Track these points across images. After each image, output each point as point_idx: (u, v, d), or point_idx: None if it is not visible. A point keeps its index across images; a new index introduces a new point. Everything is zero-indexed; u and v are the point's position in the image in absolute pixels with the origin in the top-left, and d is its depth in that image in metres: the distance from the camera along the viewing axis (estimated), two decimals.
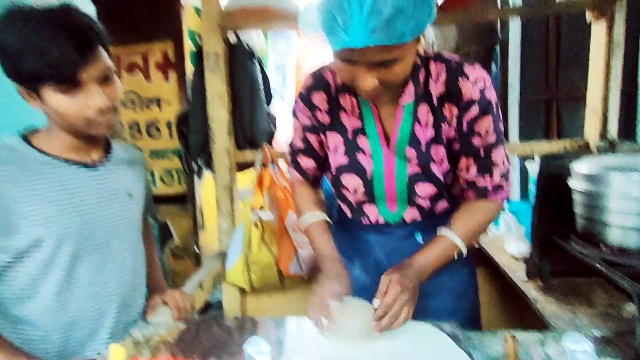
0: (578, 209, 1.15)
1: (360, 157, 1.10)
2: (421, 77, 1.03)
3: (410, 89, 1.02)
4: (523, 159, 2.75)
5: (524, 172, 2.82)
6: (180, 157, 2.11)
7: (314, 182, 1.28)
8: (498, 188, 1.08)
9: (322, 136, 1.16)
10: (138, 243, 1.19)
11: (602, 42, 1.86)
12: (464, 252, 1.06)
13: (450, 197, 1.15)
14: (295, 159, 1.25)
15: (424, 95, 1.04)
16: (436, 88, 1.03)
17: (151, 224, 1.36)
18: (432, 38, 3.25)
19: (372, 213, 1.17)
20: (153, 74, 2.77)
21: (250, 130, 1.99)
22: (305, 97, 1.14)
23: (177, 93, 2.77)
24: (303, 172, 1.25)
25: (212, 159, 1.98)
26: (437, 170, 1.06)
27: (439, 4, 1.95)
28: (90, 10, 0.99)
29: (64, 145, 1.03)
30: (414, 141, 1.05)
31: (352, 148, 1.10)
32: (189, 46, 2.77)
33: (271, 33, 4.11)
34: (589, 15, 1.91)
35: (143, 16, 2.63)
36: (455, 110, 1.02)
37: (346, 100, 1.10)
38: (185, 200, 2.81)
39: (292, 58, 4.07)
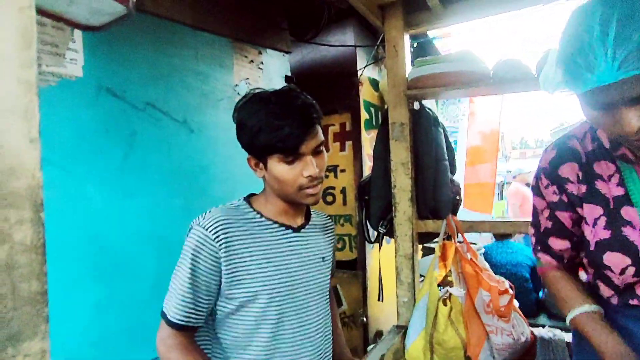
0: None
1: (626, 231, 0.93)
2: None
3: None
4: None
5: None
6: (360, 223, 2.12)
7: (570, 266, 1.14)
8: None
9: (579, 210, 1.03)
10: (327, 306, 1.23)
11: None
12: None
13: None
14: (544, 242, 1.13)
15: None
16: None
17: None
18: None
19: None
20: (331, 145, 2.93)
21: (434, 200, 1.91)
22: (549, 172, 1.05)
23: (352, 161, 2.86)
24: (556, 256, 1.12)
25: (394, 227, 1.93)
26: None
27: None
28: None
29: (276, 210, 1.14)
30: None
31: (615, 221, 0.95)
32: (364, 116, 2.88)
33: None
34: None
35: (326, 93, 2.84)
36: None
37: (602, 167, 0.98)
38: (356, 267, 2.79)
39: (464, 121, 3.98)
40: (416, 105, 1.97)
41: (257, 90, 1.11)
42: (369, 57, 2.92)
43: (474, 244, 4.01)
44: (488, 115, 4.35)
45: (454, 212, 1.95)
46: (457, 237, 1.82)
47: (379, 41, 2.82)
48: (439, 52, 3.27)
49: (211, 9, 1.94)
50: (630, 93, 0.73)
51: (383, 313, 2.92)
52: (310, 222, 1.22)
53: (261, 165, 1.08)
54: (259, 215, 1.11)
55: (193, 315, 1.02)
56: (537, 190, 1.11)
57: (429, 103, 2.06)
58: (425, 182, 1.91)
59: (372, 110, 3.00)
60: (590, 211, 0.99)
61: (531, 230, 1.17)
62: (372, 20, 1.91)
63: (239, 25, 2.12)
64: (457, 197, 1.99)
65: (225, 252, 1.01)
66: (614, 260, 0.95)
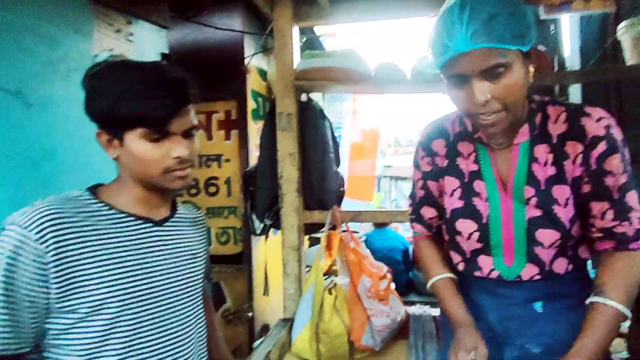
0: None
1: (476, 201, 1.10)
2: (537, 120, 1.05)
3: (525, 128, 1.04)
4: None
5: None
6: (246, 215, 2.06)
7: (436, 235, 1.28)
8: (639, 234, 0.99)
9: (441, 181, 1.18)
10: (200, 308, 1.10)
11: None
12: (629, 318, 0.96)
13: (574, 256, 1.07)
14: (417, 211, 1.27)
15: (541, 135, 1.04)
16: (556, 128, 1.03)
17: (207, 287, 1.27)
18: None
19: (486, 265, 1.12)
20: (215, 133, 2.81)
21: (320, 191, 1.93)
22: (425, 145, 1.21)
23: (238, 151, 2.78)
24: (426, 224, 1.26)
25: (280, 218, 1.92)
26: (562, 213, 1.01)
27: None
28: None
29: (133, 199, 0.98)
30: (532, 180, 1.04)
31: (468, 192, 1.11)
32: (251, 105, 2.81)
33: (328, 95, 4.24)
34: None
35: (210, 78, 2.70)
36: (579, 147, 1.00)
37: (464, 147, 1.14)
38: (241, 261, 2.73)
39: (347, 119, 4.16)
40: (304, 97, 1.97)
41: (119, 59, 0.96)
42: (258, 46, 2.85)
43: (356, 232, 4.23)
44: (369, 115, 4.66)
45: (339, 203, 2.00)
46: (342, 226, 1.87)
47: (267, 31, 2.76)
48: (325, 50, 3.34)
49: None
50: (479, 65, 0.89)
51: (270, 306, 2.90)
52: (176, 215, 1.07)
53: (116, 142, 0.91)
54: (106, 207, 0.93)
55: (13, 341, 0.81)
56: (416, 162, 1.25)
57: (315, 97, 2.08)
58: (312, 173, 1.92)
59: (260, 100, 2.94)
60: (449, 183, 1.15)
61: (409, 202, 1.31)
62: (261, 6, 1.86)
63: None
64: (342, 189, 2.05)
65: (55, 255, 0.83)
66: (464, 225, 1.11)
